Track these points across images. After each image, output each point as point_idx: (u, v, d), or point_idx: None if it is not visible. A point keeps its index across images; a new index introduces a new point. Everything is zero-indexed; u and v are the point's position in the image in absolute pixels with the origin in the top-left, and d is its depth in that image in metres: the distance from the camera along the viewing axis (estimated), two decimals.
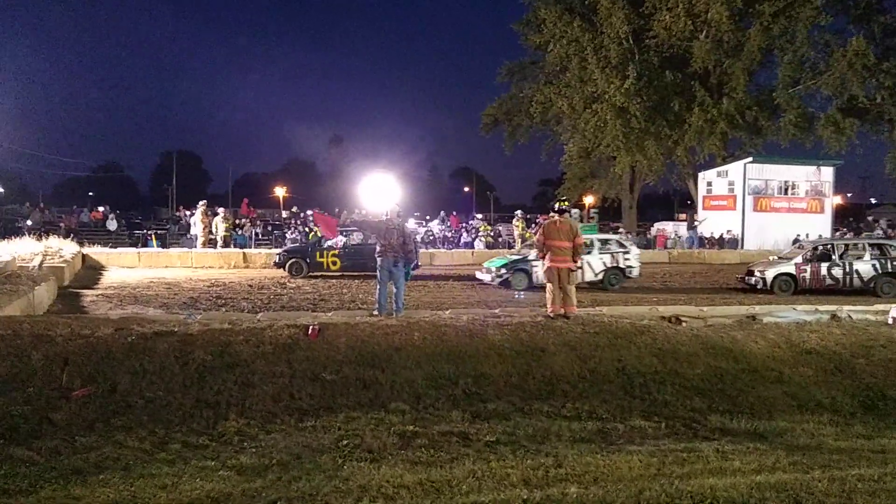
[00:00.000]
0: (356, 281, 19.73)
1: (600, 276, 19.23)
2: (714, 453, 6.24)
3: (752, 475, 5.41)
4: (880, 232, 41.58)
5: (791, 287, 18.44)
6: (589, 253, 18.83)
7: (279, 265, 21.43)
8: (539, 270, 18.25)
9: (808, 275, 18.45)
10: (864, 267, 18.46)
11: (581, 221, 33.16)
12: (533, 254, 18.71)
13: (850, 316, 11.74)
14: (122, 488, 5.09)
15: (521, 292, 18.02)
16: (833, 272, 18.40)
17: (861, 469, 5.67)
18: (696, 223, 35.54)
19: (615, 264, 19.30)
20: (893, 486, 5.16)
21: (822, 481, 5.19)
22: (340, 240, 21.63)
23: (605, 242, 20.10)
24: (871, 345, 10.21)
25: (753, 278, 19.06)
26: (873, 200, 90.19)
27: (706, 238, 36.02)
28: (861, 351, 9.99)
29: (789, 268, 18.65)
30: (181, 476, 5.39)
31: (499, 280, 18.68)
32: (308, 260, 21.21)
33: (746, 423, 7.66)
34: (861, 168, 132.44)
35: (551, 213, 11.52)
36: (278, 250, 26.52)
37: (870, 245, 19.67)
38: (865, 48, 35.59)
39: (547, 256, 10.87)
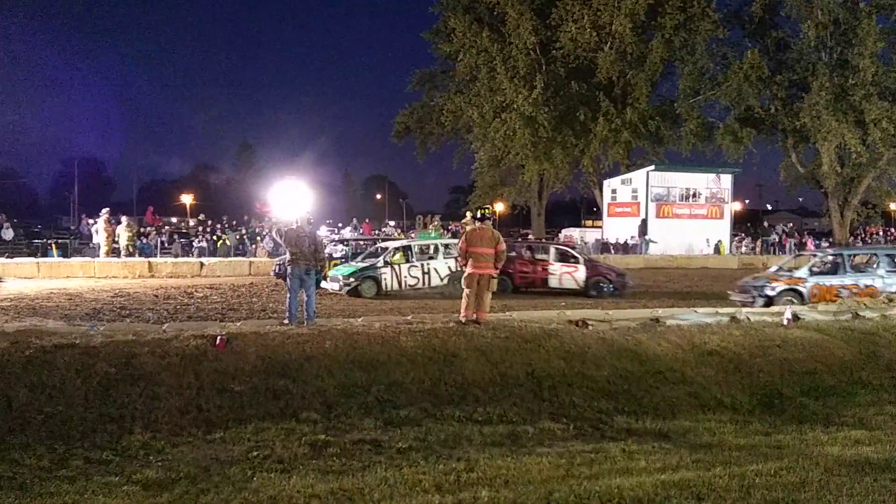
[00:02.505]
0: (267, 289, 19.45)
1: (445, 281, 19.12)
2: (621, 453, 6.42)
3: (657, 474, 5.58)
4: (776, 237, 43.50)
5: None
6: (434, 258, 19.20)
7: (279, 276, 20.59)
8: (388, 277, 18.39)
9: None
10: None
11: (424, 228, 33.37)
12: (381, 261, 18.67)
13: (748, 318, 12.22)
14: None
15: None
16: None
17: (759, 464, 5.91)
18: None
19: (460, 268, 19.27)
20: (789, 479, 5.41)
21: (722, 478, 5.40)
22: (341, 249, 21.24)
23: (448, 247, 19.86)
24: (768, 345, 10.65)
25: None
26: (769, 206, 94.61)
27: (611, 244, 36.95)
28: (759, 351, 10.42)
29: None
30: (83, 493, 5.21)
31: (347, 288, 18.26)
32: None
33: (651, 424, 7.90)
34: (757, 175, 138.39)
35: (467, 220, 11.62)
36: (191, 259, 25.90)
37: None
38: (760, 61, 37.35)
39: (469, 263, 10.91)
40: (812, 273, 16.48)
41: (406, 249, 19.23)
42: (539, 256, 20.32)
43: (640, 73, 39.35)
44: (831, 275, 16.57)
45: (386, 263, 18.64)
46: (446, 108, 42.44)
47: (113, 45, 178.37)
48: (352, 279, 18.27)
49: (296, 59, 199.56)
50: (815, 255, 17.82)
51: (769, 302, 15.73)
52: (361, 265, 19.05)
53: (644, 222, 35.13)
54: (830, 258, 17.36)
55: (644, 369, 9.49)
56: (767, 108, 40.07)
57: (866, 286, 16.14)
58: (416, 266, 18.88)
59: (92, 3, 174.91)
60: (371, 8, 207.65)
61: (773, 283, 16.30)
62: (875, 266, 16.82)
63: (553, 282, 19.55)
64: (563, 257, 20.04)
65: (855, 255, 17.60)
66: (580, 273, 19.48)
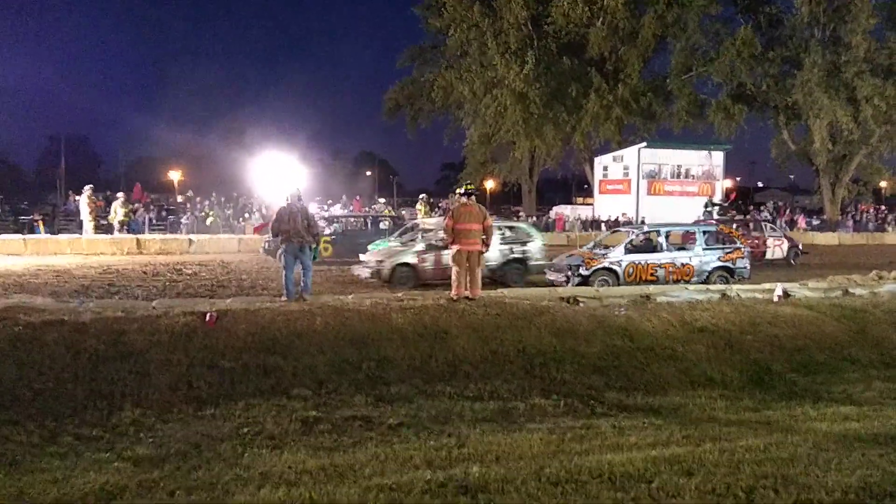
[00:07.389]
0: (256, 266, 19.38)
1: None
2: (611, 429, 6.44)
3: (647, 449, 5.59)
4: (767, 214, 43.51)
5: None
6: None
7: (269, 252, 19.23)
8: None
9: None
10: None
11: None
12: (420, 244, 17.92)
13: (738, 294, 12.26)
14: (8, 484, 4.87)
15: None
16: None
17: (748, 440, 5.94)
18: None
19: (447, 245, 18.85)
20: (778, 454, 5.43)
21: (712, 453, 5.42)
22: (333, 226, 21.34)
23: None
24: (758, 322, 10.67)
25: None
26: (760, 184, 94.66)
27: (602, 221, 36.95)
28: (749, 328, 10.44)
29: None
30: (73, 469, 5.20)
31: (373, 273, 16.33)
32: None
33: (642, 400, 7.94)
34: (749, 153, 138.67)
35: (456, 197, 11.47)
36: (179, 236, 25.82)
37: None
38: (752, 37, 37.17)
39: (456, 240, 10.86)
40: (627, 251, 15.54)
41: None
42: None
43: (632, 50, 39.19)
44: (647, 252, 15.73)
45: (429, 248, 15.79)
46: (437, 84, 42.16)
47: (100, 18, 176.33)
48: (385, 263, 15.69)
49: (285, 35, 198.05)
50: (631, 232, 16.69)
51: (584, 281, 14.81)
52: (394, 247, 16.87)
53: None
54: (646, 235, 16.35)
55: (635, 346, 9.51)
56: (759, 84, 39.93)
57: (683, 265, 15.60)
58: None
59: None
60: None
61: (588, 262, 15.27)
62: (692, 243, 16.15)
63: None
64: None
65: (671, 232, 16.66)
66: None
